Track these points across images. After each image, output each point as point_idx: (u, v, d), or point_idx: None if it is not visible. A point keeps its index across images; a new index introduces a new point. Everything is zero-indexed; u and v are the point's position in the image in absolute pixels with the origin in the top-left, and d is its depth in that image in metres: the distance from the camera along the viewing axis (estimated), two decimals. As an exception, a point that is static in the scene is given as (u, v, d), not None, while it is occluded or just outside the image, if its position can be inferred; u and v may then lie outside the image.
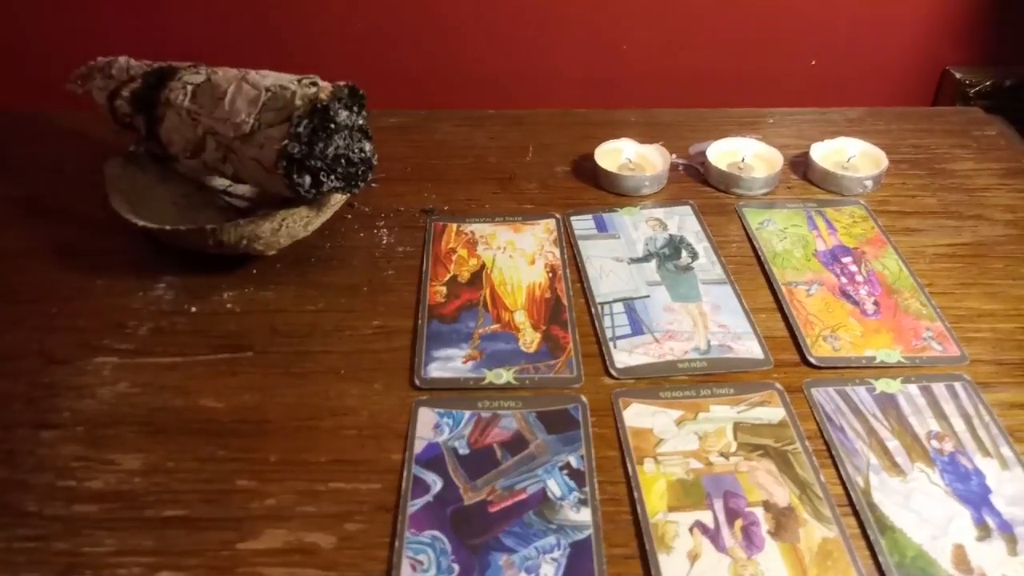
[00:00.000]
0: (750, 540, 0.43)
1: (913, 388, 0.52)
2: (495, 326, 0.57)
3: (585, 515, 0.44)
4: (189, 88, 0.61)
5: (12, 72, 0.91)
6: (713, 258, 0.63)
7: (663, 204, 0.70)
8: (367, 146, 0.60)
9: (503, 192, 0.72)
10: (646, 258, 0.63)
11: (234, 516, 0.45)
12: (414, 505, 0.45)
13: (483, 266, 0.63)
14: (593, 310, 0.58)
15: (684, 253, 0.64)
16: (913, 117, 0.83)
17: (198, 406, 0.51)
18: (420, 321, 0.57)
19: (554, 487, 0.46)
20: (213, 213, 0.65)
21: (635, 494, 0.45)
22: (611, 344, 0.55)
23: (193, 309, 0.59)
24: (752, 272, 0.62)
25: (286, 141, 0.55)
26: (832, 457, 0.48)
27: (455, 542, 0.43)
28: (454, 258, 0.63)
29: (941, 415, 0.50)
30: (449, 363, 0.54)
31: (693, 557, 0.42)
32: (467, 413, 0.50)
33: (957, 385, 0.52)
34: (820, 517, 0.44)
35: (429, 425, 0.50)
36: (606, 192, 0.71)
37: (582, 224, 0.67)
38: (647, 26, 0.90)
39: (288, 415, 0.51)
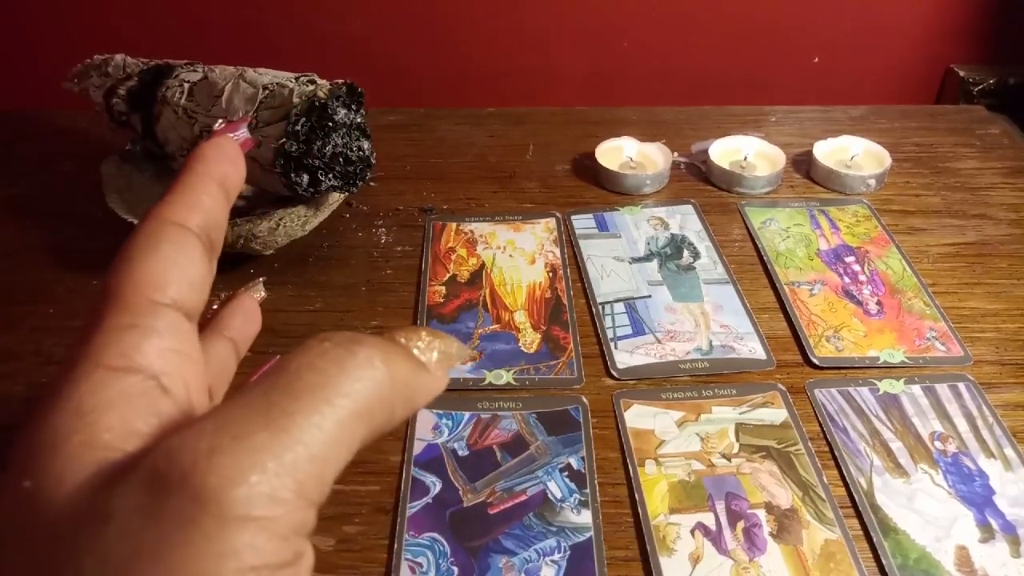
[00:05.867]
0: (752, 542, 0.43)
1: (916, 389, 0.51)
2: (495, 326, 0.57)
3: (586, 517, 0.44)
4: (186, 86, 0.60)
5: (7, 70, 0.90)
6: (715, 257, 0.63)
7: (665, 203, 0.69)
8: (365, 144, 0.59)
9: (503, 191, 0.71)
10: (647, 257, 0.63)
11: (231, 518, 0.44)
12: (413, 507, 0.44)
13: (483, 266, 0.62)
14: (594, 310, 0.58)
15: (686, 252, 0.63)
16: (916, 115, 0.82)
17: (195, 407, 0.51)
18: (419, 321, 0.57)
19: (554, 489, 0.45)
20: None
21: (636, 496, 0.45)
22: (612, 344, 0.55)
23: (190, 309, 0.58)
24: (754, 272, 0.62)
25: (283, 139, 0.55)
26: (835, 458, 0.47)
27: (454, 544, 0.43)
28: (453, 257, 0.63)
29: (945, 416, 0.50)
30: (448, 363, 0.53)
31: (695, 559, 0.42)
32: (466, 414, 0.50)
33: (961, 386, 0.51)
34: (823, 519, 0.44)
35: (428, 426, 0.49)
36: (607, 191, 0.71)
37: (583, 223, 0.67)
38: (648, 23, 0.90)
39: (286, 416, 0.50)
